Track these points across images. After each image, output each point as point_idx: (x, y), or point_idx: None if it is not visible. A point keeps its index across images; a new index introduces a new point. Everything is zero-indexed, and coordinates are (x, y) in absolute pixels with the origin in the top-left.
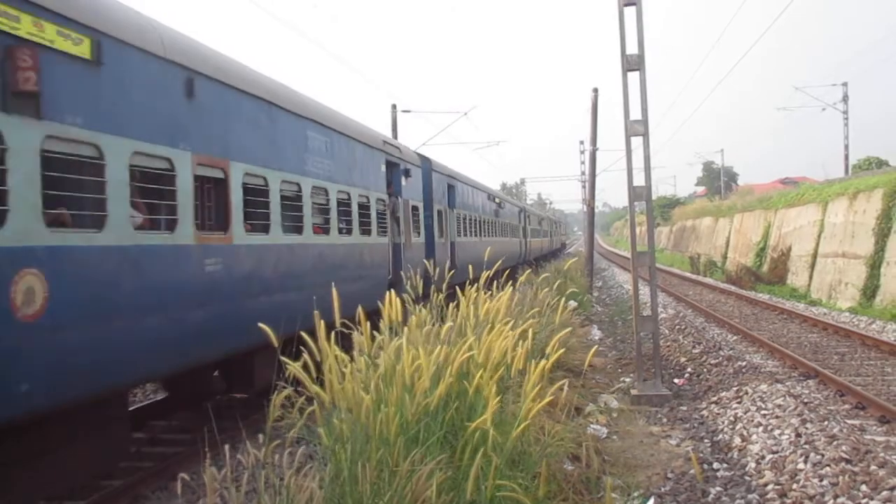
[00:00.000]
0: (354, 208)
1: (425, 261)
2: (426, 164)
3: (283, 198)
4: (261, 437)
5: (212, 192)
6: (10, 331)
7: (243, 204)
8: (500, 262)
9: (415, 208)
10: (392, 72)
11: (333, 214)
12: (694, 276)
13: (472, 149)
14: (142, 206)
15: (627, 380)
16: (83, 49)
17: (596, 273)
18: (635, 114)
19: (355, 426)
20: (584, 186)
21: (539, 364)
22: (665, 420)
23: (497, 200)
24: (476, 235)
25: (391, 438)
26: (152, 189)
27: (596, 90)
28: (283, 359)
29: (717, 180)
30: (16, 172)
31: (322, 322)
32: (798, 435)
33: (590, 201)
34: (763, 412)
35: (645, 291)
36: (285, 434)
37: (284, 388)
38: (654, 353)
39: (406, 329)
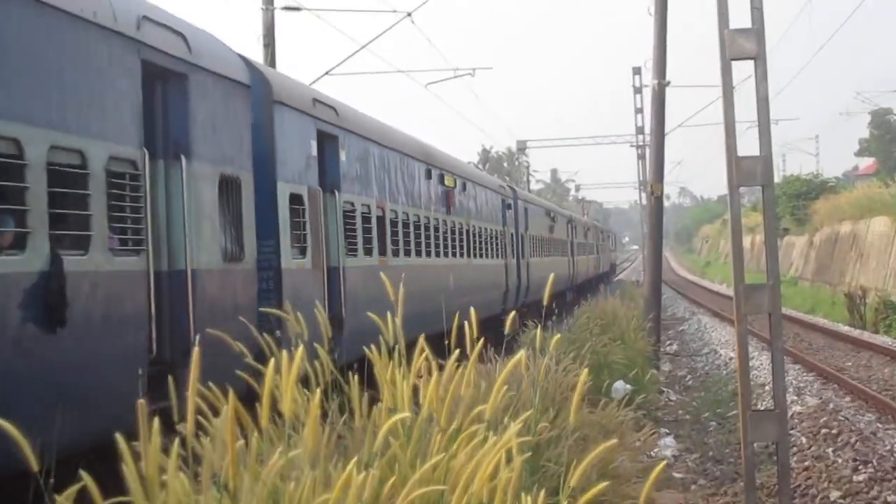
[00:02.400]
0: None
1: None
2: (516, 194)
3: (424, 228)
4: None
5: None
6: None
7: (391, 234)
8: (548, 284)
9: (512, 235)
10: None
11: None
12: (855, 332)
13: (426, 82)
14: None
15: None
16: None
17: (669, 324)
18: (739, 19)
19: None
20: (640, 157)
21: None
22: None
23: (552, 215)
24: (539, 255)
25: None
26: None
27: None
28: None
29: None
30: None
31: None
32: None
33: (653, 187)
34: None
35: (762, 362)
36: None
37: None
38: (779, 481)
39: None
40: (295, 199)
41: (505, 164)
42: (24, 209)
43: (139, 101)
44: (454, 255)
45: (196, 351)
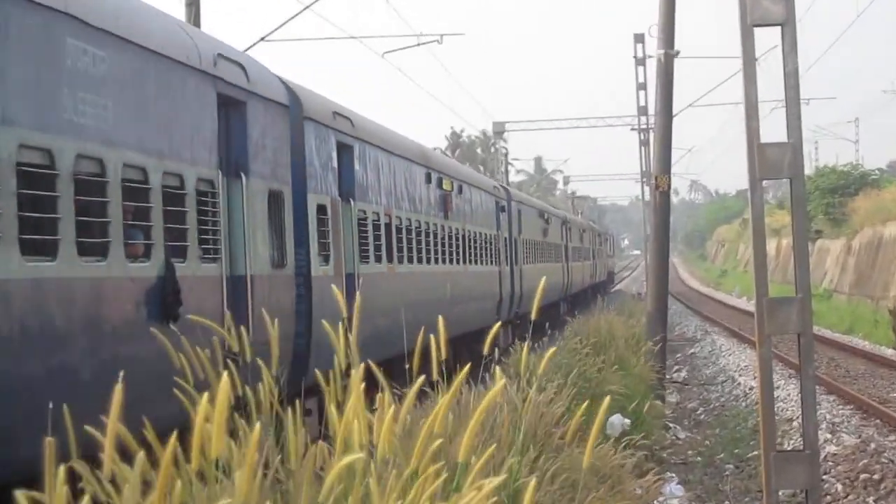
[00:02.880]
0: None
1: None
2: (509, 196)
3: (425, 234)
4: None
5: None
6: None
7: (396, 241)
8: (538, 294)
9: (506, 239)
10: None
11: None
12: None
13: (383, 51)
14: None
15: None
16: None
17: (677, 346)
18: None
19: None
20: (642, 143)
21: None
22: None
23: (546, 217)
24: (532, 261)
25: None
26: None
27: None
28: None
29: None
30: None
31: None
32: None
33: (658, 179)
34: None
35: (789, 392)
36: None
37: None
38: None
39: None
40: (320, 209)
41: (479, 151)
42: (149, 225)
43: (215, 128)
44: (452, 261)
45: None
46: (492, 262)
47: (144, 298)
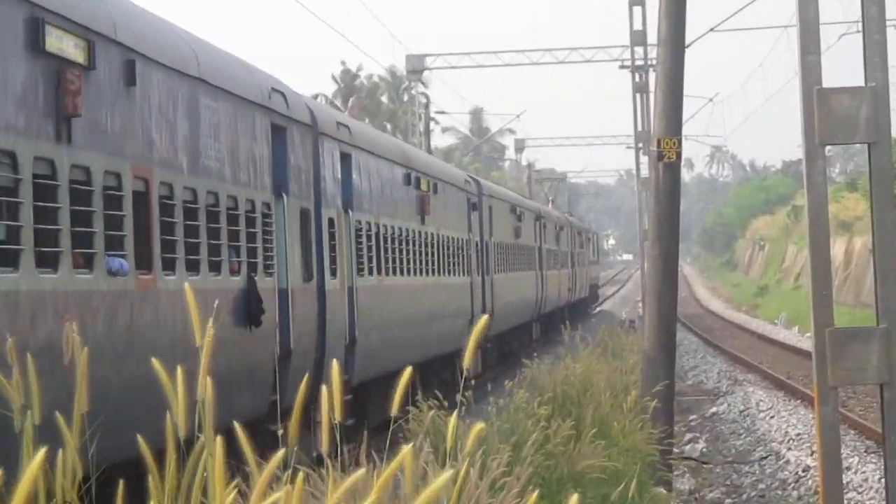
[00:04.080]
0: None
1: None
2: (480, 190)
3: (406, 242)
4: None
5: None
6: None
7: (384, 251)
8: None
9: (477, 244)
10: None
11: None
12: None
13: None
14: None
15: None
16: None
17: (691, 402)
18: None
19: None
20: (639, 90)
21: None
22: None
23: (518, 212)
24: (504, 270)
25: None
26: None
27: None
28: None
29: None
30: None
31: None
32: None
33: (663, 144)
34: None
35: (866, 475)
36: None
37: None
38: None
39: None
40: (330, 222)
41: (384, 100)
42: (238, 245)
43: (269, 154)
44: (428, 272)
45: None
46: (463, 271)
47: (237, 306)
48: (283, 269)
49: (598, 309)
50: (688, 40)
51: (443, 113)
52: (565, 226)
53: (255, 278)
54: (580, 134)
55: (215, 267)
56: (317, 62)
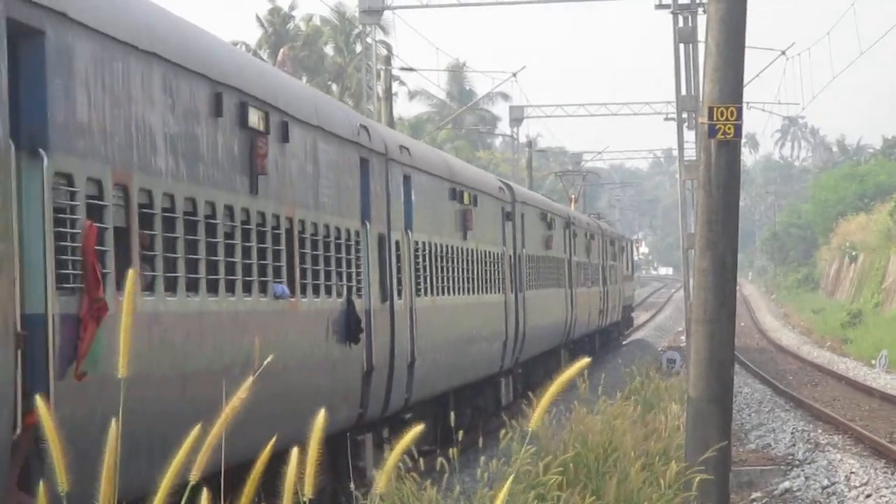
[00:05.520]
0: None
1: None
2: (514, 196)
3: (451, 261)
4: None
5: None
6: None
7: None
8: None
9: (510, 258)
10: None
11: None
12: None
13: None
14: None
15: None
16: None
17: (755, 474)
18: None
19: None
20: (681, 40)
21: None
22: None
23: (549, 219)
24: (535, 286)
25: None
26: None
27: None
28: None
29: None
30: None
31: None
32: None
33: (717, 113)
34: None
35: None
36: None
37: None
38: None
39: None
40: (396, 244)
41: (328, 51)
42: (340, 271)
43: (359, 186)
44: (468, 290)
45: None
46: (498, 288)
47: (341, 325)
48: (366, 291)
49: (629, 339)
50: None
51: (410, 70)
52: (596, 233)
53: (353, 300)
54: (600, 100)
55: (328, 290)
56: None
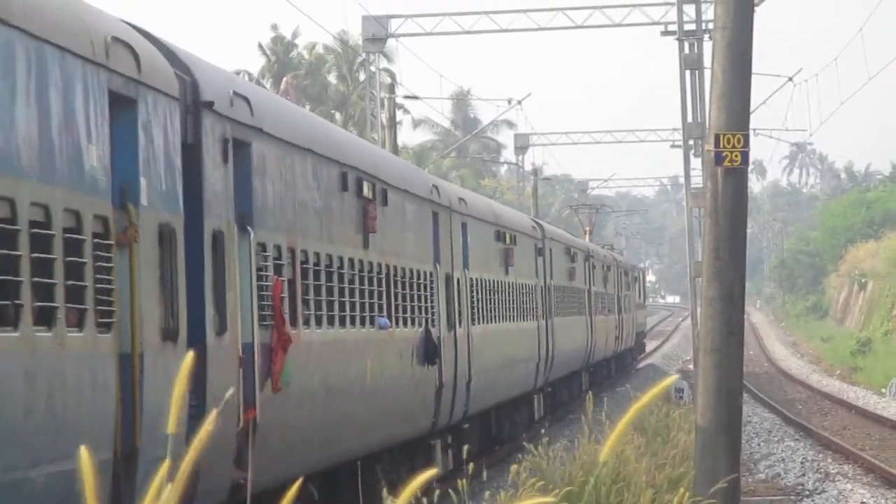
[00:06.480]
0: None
1: None
2: (544, 234)
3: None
4: None
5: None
6: None
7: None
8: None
9: (541, 288)
10: None
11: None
12: None
13: None
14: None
15: None
16: None
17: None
18: None
19: None
20: (688, 67)
21: None
22: None
23: (572, 253)
24: (562, 314)
25: None
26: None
27: None
28: None
29: None
30: None
31: None
32: None
33: (723, 140)
34: None
35: None
36: None
37: None
38: None
39: None
40: (458, 282)
41: (332, 79)
42: (420, 305)
43: (432, 235)
44: (510, 318)
45: None
46: (533, 316)
47: (420, 349)
48: (438, 321)
49: (642, 364)
50: None
51: (414, 98)
52: (612, 264)
53: (430, 329)
54: (606, 127)
55: (413, 321)
56: (241, 23)
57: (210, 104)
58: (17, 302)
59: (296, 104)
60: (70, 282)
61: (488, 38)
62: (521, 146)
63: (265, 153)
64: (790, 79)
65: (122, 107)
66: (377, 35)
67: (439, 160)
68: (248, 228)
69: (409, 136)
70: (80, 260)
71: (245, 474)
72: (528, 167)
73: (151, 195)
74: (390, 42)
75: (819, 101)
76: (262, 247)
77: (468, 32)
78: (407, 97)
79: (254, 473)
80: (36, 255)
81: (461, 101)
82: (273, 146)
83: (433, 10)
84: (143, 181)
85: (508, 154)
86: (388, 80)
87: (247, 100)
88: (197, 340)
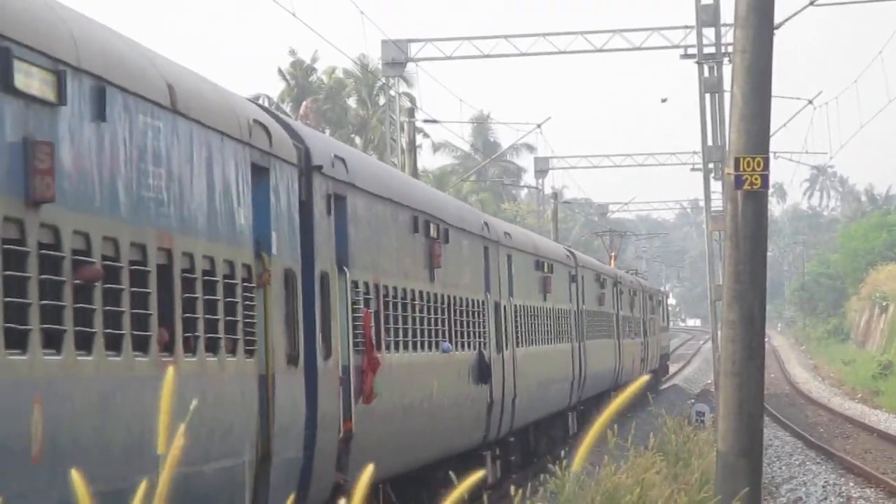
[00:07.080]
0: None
1: None
2: (576, 262)
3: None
4: None
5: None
6: None
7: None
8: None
9: (574, 313)
10: None
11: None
12: None
13: None
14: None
15: None
16: None
17: None
18: None
19: None
20: (708, 91)
21: None
22: None
23: (601, 279)
24: (592, 336)
25: None
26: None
27: None
28: None
29: None
30: None
31: None
32: None
33: (744, 163)
34: None
35: None
36: None
37: None
38: None
39: None
40: (504, 309)
41: (351, 103)
42: (475, 330)
43: (484, 268)
44: (548, 341)
45: None
46: (567, 339)
47: (474, 369)
48: (489, 344)
49: (666, 385)
50: (778, 18)
51: (433, 122)
52: (637, 289)
53: (483, 351)
54: (625, 151)
55: (469, 345)
56: (261, 48)
57: (319, 167)
58: (196, 334)
59: (315, 128)
60: (228, 317)
61: (508, 61)
62: (541, 170)
63: (357, 204)
64: (810, 101)
65: (258, 175)
66: (396, 59)
67: (459, 184)
68: (345, 269)
69: (429, 160)
70: (233, 300)
71: (345, 476)
72: (547, 191)
73: (279, 245)
74: (410, 66)
75: (839, 124)
76: (355, 284)
77: (487, 56)
78: (427, 121)
79: (350, 476)
80: (207, 297)
81: (481, 124)
82: (362, 198)
83: (452, 34)
84: (274, 234)
85: (528, 178)
86: (408, 104)
87: (343, 160)
88: (310, 364)
